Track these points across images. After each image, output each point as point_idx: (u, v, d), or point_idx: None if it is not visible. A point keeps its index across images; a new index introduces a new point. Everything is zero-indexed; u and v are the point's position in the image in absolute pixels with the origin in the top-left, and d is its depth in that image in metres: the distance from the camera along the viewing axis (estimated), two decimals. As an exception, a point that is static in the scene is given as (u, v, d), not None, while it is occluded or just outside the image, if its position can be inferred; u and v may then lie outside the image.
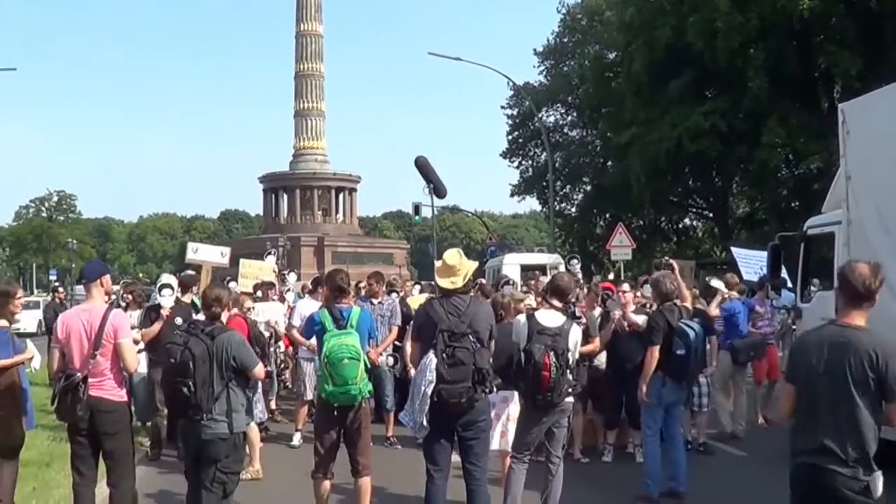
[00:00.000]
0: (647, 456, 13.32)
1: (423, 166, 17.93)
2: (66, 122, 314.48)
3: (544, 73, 65.97)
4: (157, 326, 15.52)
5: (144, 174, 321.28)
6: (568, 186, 66.73)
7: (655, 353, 12.89)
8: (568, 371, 10.86)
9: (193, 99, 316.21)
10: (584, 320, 15.19)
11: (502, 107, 68.44)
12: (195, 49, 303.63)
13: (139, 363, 13.44)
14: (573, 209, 66.95)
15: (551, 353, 10.59)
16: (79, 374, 9.87)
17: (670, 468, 13.12)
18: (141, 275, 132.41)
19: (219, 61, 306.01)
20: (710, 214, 58.76)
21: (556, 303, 11.32)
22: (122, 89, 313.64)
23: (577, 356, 11.37)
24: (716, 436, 17.35)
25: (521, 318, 11.42)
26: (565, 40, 64.80)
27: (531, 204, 77.47)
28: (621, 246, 36.35)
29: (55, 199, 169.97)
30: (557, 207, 64.12)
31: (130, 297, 17.86)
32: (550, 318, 11.04)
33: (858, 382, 6.73)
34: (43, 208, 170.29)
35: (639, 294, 16.62)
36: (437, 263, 10.95)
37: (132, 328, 15.21)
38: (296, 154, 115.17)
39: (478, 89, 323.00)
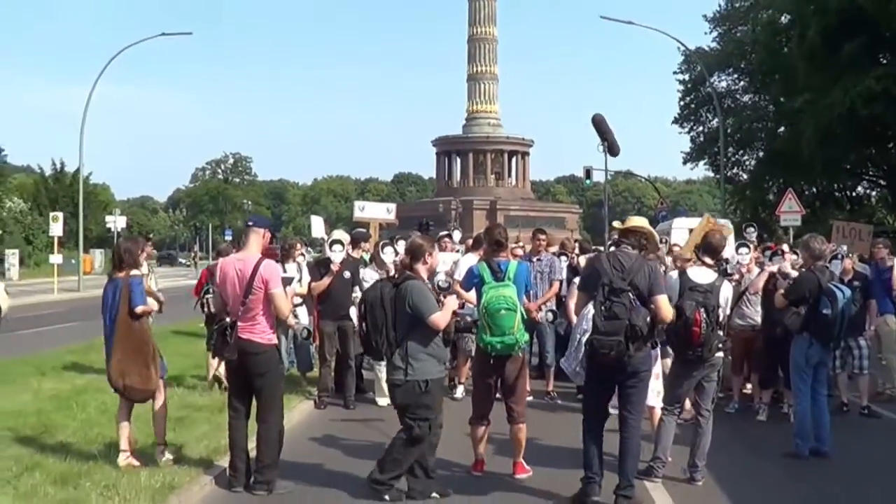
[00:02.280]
0: (796, 415, 13.49)
1: (599, 123, 18.18)
2: (243, 86, 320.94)
3: (717, 38, 65.32)
4: (326, 280, 16.18)
5: (319, 137, 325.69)
6: (740, 152, 66.05)
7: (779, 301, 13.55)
8: (718, 327, 11.17)
9: (368, 64, 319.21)
10: (735, 276, 15.42)
11: (674, 72, 67.90)
12: (370, 14, 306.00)
13: (291, 311, 14.24)
14: (745, 175, 66.26)
15: (702, 310, 10.90)
16: (228, 319, 10.65)
17: (815, 428, 13.29)
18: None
19: (393, 26, 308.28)
20: (884, 183, 57.60)
21: (707, 260, 11.63)
22: (297, 54, 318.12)
23: (727, 312, 11.64)
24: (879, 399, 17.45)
25: (674, 274, 11.81)
26: (737, 5, 63.96)
27: (704, 170, 76.33)
28: (790, 212, 36.00)
29: (231, 161, 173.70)
30: (729, 174, 63.60)
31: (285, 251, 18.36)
32: (702, 275, 11.37)
33: None
34: (219, 170, 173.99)
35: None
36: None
37: (295, 280, 16.02)
38: (469, 118, 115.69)
39: (649, 54, 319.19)
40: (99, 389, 15.91)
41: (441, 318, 10.41)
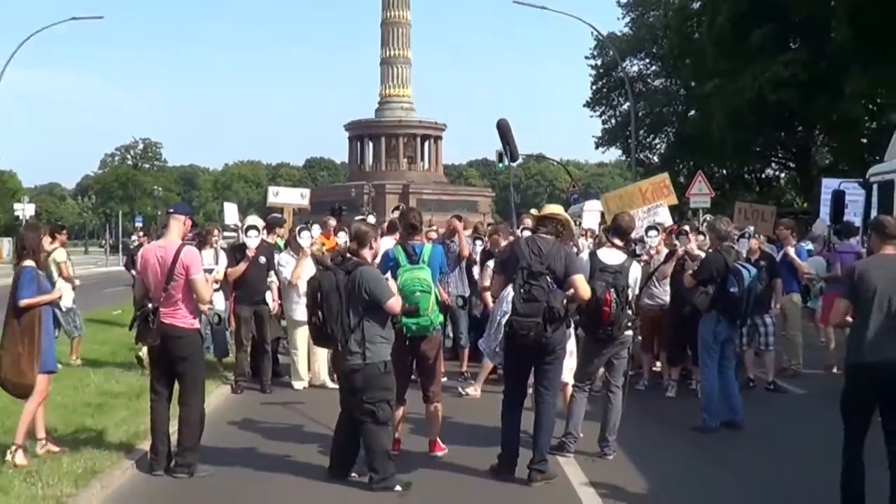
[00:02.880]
0: (704, 391, 13.95)
1: (503, 128, 18.30)
2: (153, 70, 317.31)
3: (629, 24, 65.86)
4: (242, 266, 16.28)
5: (230, 122, 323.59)
6: (651, 136, 66.71)
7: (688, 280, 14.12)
8: (627, 307, 11.52)
9: (280, 47, 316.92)
10: (644, 257, 15.84)
11: (586, 57, 68.39)
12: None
13: (212, 295, 14.39)
14: (656, 158, 66.89)
15: (612, 290, 11.23)
16: (150, 305, 10.77)
17: (726, 400, 13.82)
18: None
19: (305, 9, 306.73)
20: (793, 165, 58.51)
21: (617, 241, 11.97)
22: (208, 38, 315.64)
23: (636, 292, 11.99)
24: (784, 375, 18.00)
25: (584, 255, 12.09)
26: (650, -9, 64.46)
27: (616, 153, 77.13)
28: (700, 194, 36.42)
29: (141, 146, 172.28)
30: (640, 156, 64.19)
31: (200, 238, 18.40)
32: (612, 256, 11.70)
33: None
34: (129, 156, 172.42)
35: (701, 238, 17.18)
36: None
37: (209, 268, 16.09)
38: (381, 102, 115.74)
39: (563, 39, 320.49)
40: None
41: (396, 303, 10.64)
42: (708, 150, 52.11)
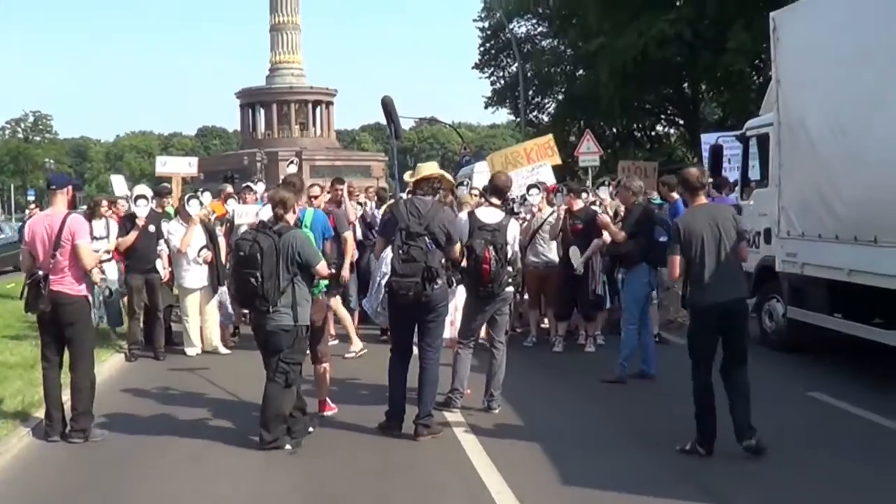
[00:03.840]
0: (625, 342, 14.33)
1: (386, 105, 18.41)
2: (41, 41, 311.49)
3: (515, -17, 65.79)
4: (132, 235, 16.44)
5: (121, 93, 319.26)
6: (540, 96, 66.99)
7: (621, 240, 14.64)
8: (507, 263, 11.84)
9: (169, 15, 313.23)
10: (522, 214, 16.28)
11: (474, 20, 68.58)
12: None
13: (99, 267, 14.54)
14: (546, 118, 67.21)
15: (491, 248, 11.57)
16: (40, 272, 10.91)
17: (642, 352, 14.41)
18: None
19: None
20: (681, 121, 59.15)
21: (494, 201, 12.31)
22: (96, 7, 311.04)
23: (516, 249, 12.30)
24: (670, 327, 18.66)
25: (463, 215, 12.40)
26: (535, -50, 64.47)
27: (507, 114, 77.46)
28: (589, 153, 36.79)
29: (31, 119, 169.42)
30: (531, 117, 64.58)
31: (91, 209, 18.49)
32: (490, 214, 12.01)
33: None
34: (19, 129, 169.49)
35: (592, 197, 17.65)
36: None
37: (103, 237, 16.22)
38: (272, 69, 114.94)
39: (449, 1, 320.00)
40: None
41: (324, 267, 10.95)
42: (597, 108, 52.27)
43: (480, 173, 26.99)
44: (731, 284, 10.33)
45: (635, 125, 62.31)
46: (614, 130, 61.11)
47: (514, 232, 12.20)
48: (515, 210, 16.00)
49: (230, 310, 17.65)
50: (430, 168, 11.76)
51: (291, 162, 23.76)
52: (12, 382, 13.75)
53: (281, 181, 13.51)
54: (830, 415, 12.34)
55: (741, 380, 10.36)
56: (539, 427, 11.60)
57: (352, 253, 16.04)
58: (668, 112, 60.08)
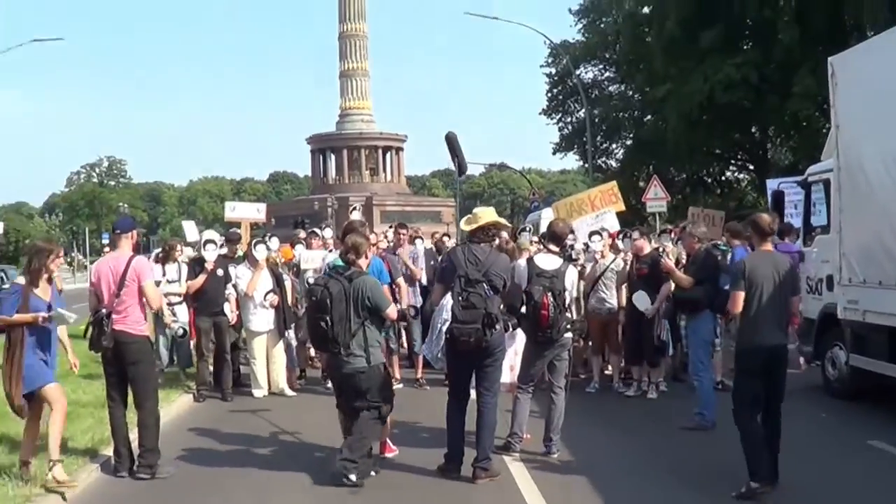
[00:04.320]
0: (704, 389, 14.33)
1: (451, 141, 18.68)
2: (116, 89, 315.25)
3: (581, 30, 65.82)
4: (201, 278, 16.83)
5: (194, 138, 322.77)
6: (608, 142, 66.86)
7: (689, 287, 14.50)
8: (565, 310, 12.01)
9: (241, 62, 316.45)
10: (581, 261, 16.41)
11: (541, 66, 68.45)
12: (241, 14, 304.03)
13: (171, 309, 15.89)
14: (614, 163, 67.13)
15: (549, 294, 11.72)
16: (104, 310, 11.22)
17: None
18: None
19: (264, 24, 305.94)
20: (751, 166, 58.87)
21: (553, 247, 12.46)
22: (170, 54, 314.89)
23: (574, 295, 12.50)
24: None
25: (522, 262, 12.57)
26: (599, -2, 64.63)
27: (575, 160, 77.31)
28: (656, 199, 36.80)
29: (106, 164, 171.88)
30: (599, 163, 64.55)
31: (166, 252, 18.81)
32: (548, 261, 12.16)
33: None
34: (94, 174, 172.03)
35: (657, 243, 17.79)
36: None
37: (175, 281, 16.60)
38: (342, 115, 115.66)
39: (518, 48, 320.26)
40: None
41: (394, 311, 11.52)
42: (665, 153, 52.45)
43: (548, 220, 27.16)
44: (779, 331, 10.71)
45: (705, 170, 62.01)
46: (684, 176, 60.92)
47: (572, 278, 12.37)
48: (574, 257, 16.08)
49: (296, 353, 17.95)
50: (487, 216, 11.89)
51: (354, 208, 24.01)
52: (84, 420, 14.07)
53: (343, 228, 13.77)
54: (890, 463, 12.25)
55: (777, 422, 10.82)
56: (597, 474, 11.64)
57: (405, 298, 16.26)
58: (738, 157, 59.83)
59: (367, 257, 11.74)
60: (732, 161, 61.17)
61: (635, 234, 17.42)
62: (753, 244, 11.54)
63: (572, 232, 17.51)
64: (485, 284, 11.11)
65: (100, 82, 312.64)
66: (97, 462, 11.87)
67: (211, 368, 17.54)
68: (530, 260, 12.43)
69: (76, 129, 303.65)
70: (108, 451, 12.01)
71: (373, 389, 11.20)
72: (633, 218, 45.61)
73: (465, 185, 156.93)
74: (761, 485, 10.28)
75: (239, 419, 15.27)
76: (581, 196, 23.11)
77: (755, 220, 11.22)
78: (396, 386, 15.60)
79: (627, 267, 16.97)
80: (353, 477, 10.93)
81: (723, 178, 64.64)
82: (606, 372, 18.03)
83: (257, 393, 17.22)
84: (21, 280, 11.18)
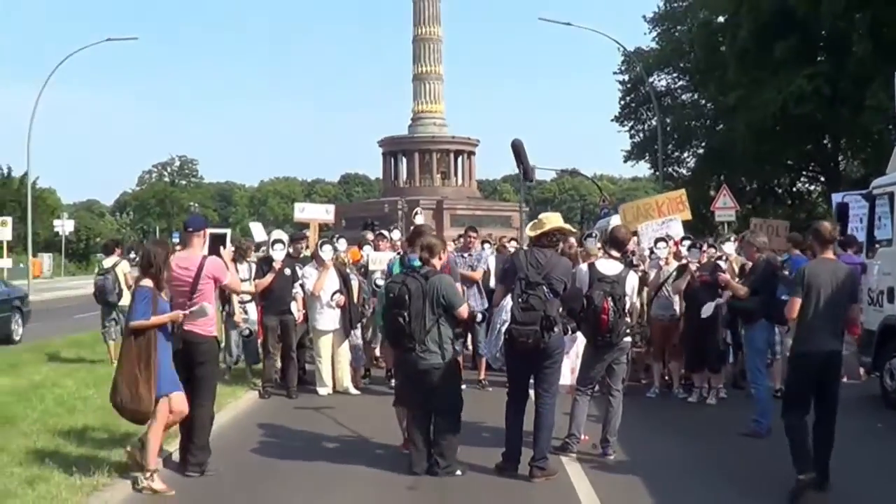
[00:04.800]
0: (760, 396, 14.48)
1: (516, 148, 18.92)
2: (188, 89, 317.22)
3: (655, 38, 65.83)
4: (269, 277, 17.15)
5: (265, 139, 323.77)
6: (679, 150, 66.75)
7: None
8: (625, 314, 12.22)
9: (314, 64, 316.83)
10: (641, 267, 16.57)
11: (614, 72, 68.49)
12: (315, 14, 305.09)
13: (242, 307, 16.96)
14: (686, 172, 67.05)
15: (609, 299, 11.93)
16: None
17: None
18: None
19: (338, 26, 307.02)
20: (822, 178, 58.59)
21: (614, 253, 12.67)
22: (242, 55, 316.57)
23: (634, 300, 12.70)
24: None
25: (583, 266, 12.78)
26: (675, 5, 64.31)
27: (646, 168, 77.18)
28: (725, 208, 36.97)
29: (177, 163, 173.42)
30: (669, 171, 64.50)
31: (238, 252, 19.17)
32: (609, 266, 12.39)
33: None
34: (165, 173, 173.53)
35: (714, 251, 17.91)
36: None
37: (246, 280, 16.95)
38: (414, 118, 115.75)
39: (589, 55, 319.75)
40: (55, 384, 17.00)
41: (466, 309, 11.88)
42: (735, 163, 52.51)
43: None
44: (833, 338, 10.81)
45: (776, 181, 61.85)
46: (755, 186, 60.75)
47: (632, 283, 12.56)
48: (635, 263, 16.31)
49: (361, 352, 18.21)
50: (552, 222, 12.08)
51: (417, 213, 24.27)
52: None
53: (412, 230, 14.10)
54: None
55: (830, 429, 10.83)
56: (651, 475, 11.81)
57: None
58: (810, 169, 59.52)
59: (440, 258, 12.05)
60: (803, 172, 60.89)
61: (705, 247, 17.70)
62: (815, 252, 11.64)
63: (636, 234, 17.77)
64: (545, 287, 11.35)
65: (172, 82, 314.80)
66: (161, 456, 11.89)
67: (278, 366, 17.88)
68: (592, 265, 12.64)
69: (149, 128, 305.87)
70: (170, 448, 12.26)
71: (447, 385, 11.62)
72: (702, 226, 45.73)
73: (536, 190, 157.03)
74: (806, 476, 10.48)
75: (303, 416, 15.60)
76: (649, 201, 23.21)
77: (817, 227, 11.37)
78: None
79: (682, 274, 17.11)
80: (458, 472, 11.56)
81: (793, 189, 64.37)
82: (667, 378, 18.14)
83: (322, 391, 17.52)
84: (145, 282, 10.98)
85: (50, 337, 26.98)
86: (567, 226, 12.65)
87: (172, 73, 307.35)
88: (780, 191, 63.51)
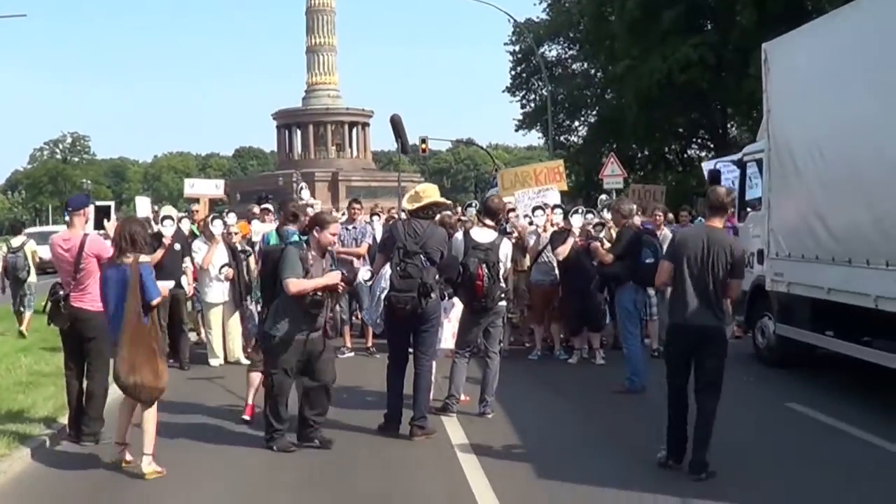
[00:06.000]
0: (632, 356, 15.20)
1: (395, 123, 19.43)
2: (79, 65, 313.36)
3: (546, 9, 66.63)
4: (159, 252, 17.29)
5: (158, 114, 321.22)
6: (570, 119, 67.74)
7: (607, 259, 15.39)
8: (499, 280, 12.85)
9: (206, 37, 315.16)
10: (515, 235, 17.16)
11: (505, 44, 69.26)
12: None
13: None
14: (578, 141, 67.87)
15: (484, 266, 12.56)
16: (61, 292, 11.86)
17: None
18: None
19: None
20: (712, 145, 59.48)
21: (488, 222, 13.29)
22: (133, 29, 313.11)
23: (508, 266, 13.29)
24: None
25: (459, 235, 13.39)
26: (564, -23, 65.05)
27: (538, 137, 77.88)
28: (613, 175, 37.52)
29: (69, 140, 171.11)
30: (561, 139, 65.29)
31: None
32: (483, 234, 13.02)
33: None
34: (57, 150, 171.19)
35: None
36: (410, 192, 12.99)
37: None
38: (308, 90, 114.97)
39: (483, 25, 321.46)
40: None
41: (291, 284, 11.32)
42: (626, 131, 53.24)
43: (501, 193, 27.87)
44: (707, 310, 10.32)
45: (666, 148, 62.69)
46: (646, 153, 61.59)
47: (506, 250, 13.13)
48: (509, 230, 16.94)
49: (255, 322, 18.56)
50: (429, 196, 12.60)
51: (302, 187, 24.49)
52: (46, 388, 14.77)
53: (280, 202, 14.52)
54: (801, 422, 13.18)
55: (708, 406, 10.34)
56: (529, 433, 12.39)
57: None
58: (700, 136, 60.50)
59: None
60: (694, 140, 61.84)
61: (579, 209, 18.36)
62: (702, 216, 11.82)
63: (514, 210, 18.40)
64: (422, 256, 11.88)
65: (62, 58, 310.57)
66: (55, 428, 12.48)
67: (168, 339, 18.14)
68: (466, 233, 13.25)
69: (39, 105, 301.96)
70: (64, 420, 12.62)
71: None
72: (595, 193, 46.33)
73: (432, 160, 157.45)
74: (661, 455, 10.72)
75: (194, 386, 16.04)
76: (527, 168, 23.85)
77: (709, 192, 11.11)
78: (348, 354, 16.67)
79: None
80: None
81: (684, 156, 65.22)
82: (549, 341, 18.77)
83: (213, 362, 17.95)
84: (146, 258, 11.11)
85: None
86: (442, 199, 13.20)
87: (63, 48, 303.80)
88: (671, 157, 64.31)
